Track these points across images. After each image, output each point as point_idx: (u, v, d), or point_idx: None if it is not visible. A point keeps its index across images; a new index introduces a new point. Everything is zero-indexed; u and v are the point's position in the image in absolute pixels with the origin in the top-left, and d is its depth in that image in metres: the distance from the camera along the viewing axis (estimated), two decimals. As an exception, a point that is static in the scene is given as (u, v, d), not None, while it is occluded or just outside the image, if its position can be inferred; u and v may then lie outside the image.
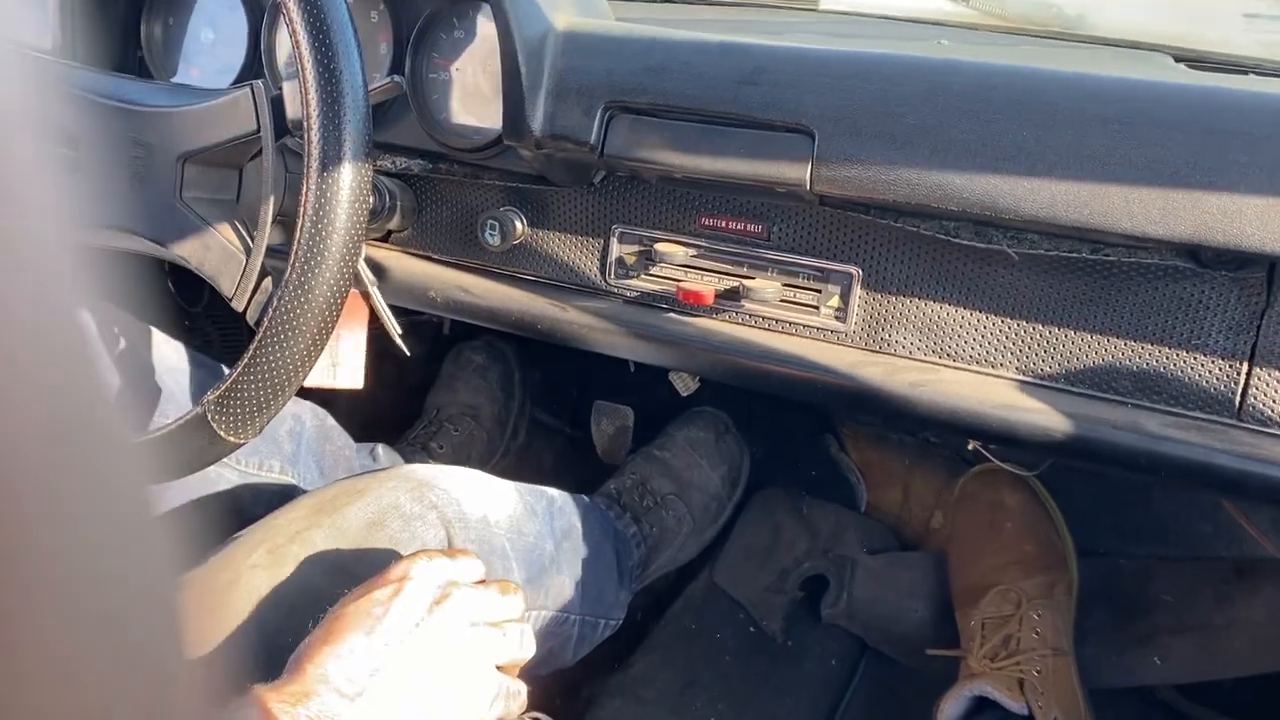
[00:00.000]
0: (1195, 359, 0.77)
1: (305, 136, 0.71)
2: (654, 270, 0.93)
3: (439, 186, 1.01)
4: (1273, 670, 1.16)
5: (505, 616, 0.71)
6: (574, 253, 0.97)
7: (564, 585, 1.03)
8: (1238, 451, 0.75)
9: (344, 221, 0.71)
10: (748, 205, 0.89)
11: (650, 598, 1.35)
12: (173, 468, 0.80)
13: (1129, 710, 1.23)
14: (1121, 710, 1.22)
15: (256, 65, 1.05)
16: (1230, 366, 0.76)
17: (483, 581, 0.72)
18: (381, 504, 0.85)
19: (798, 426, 1.52)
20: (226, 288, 0.79)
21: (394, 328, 0.96)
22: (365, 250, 1.02)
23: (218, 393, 0.74)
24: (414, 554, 0.70)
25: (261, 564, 0.79)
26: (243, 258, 0.79)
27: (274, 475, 1.09)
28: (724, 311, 0.91)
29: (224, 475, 1.05)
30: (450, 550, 0.73)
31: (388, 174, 1.00)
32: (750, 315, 0.91)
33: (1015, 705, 1.04)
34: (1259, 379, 0.75)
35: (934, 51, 0.91)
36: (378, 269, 1.03)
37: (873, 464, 1.46)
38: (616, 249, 0.94)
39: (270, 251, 0.80)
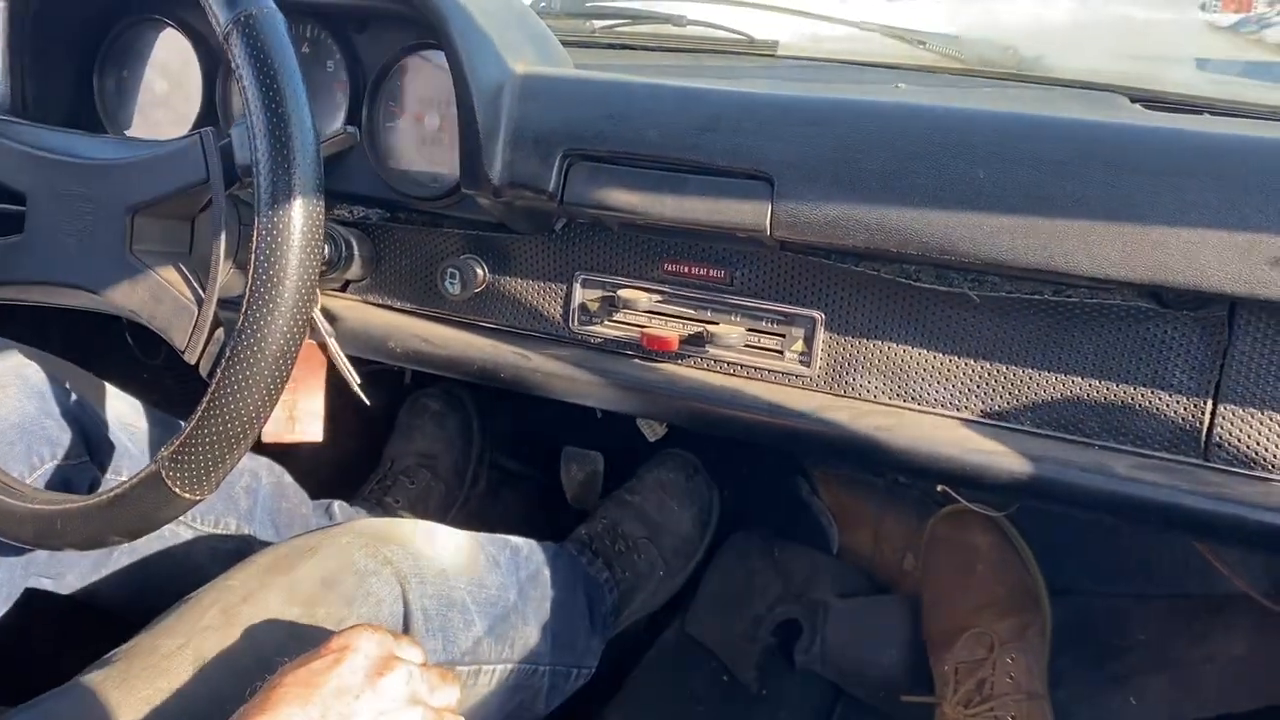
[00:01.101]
0: (1160, 399, 0.76)
1: (254, 181, 0.69)
2: (617, 316, 0.92)
3: (398, 235, 1.00)
4: (1248, 708, 1.15)
5: (442, 703, 0.68)
6: (536, 300, 0.96)
7: (530, 635, 1.01)
8: (1205, 492, 0.74)
9: (295, 266, 0.70)
10: (710, 251, 0.88)
11: (622, 648, 1.32)
12: (129, 527, 0.77)
13: (1107, 752, 1.22)
14: (1099, 753, 1.21)
15: (212, 116, 1.04)
16: (1195, 405, 0.75)
17: (423, 665, 0.70)
18: (335, 562, 0.83)
19: (768, 469, 1.51)
20: (179, 340, 0.77)
21: (353, 378, 0.94)
22: (323, 301, 1.01)
23: (172, 448, 0.72)
24: (356, 626, 0.68)
25: (214, 625, 0.77)
26: (194, 310, 0.77)
27: (230, 533, 1.06)
28: (689, 357, 0.90)
29: (179, 533, 1.02)
30: (395, 633, 0.71)
31: (345, 223, 0.99)
32: (715, 360, 0.90)
33: (992, 752, 1.03)
34: (1223, 418, 0.75)
35: (891, 95, 0.91)
36: (336, 319, 1.01)
37: (844, 506, 1.45)
38: (579, 295, 0.93)
39: (226, 304, 0.78)
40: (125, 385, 1.02)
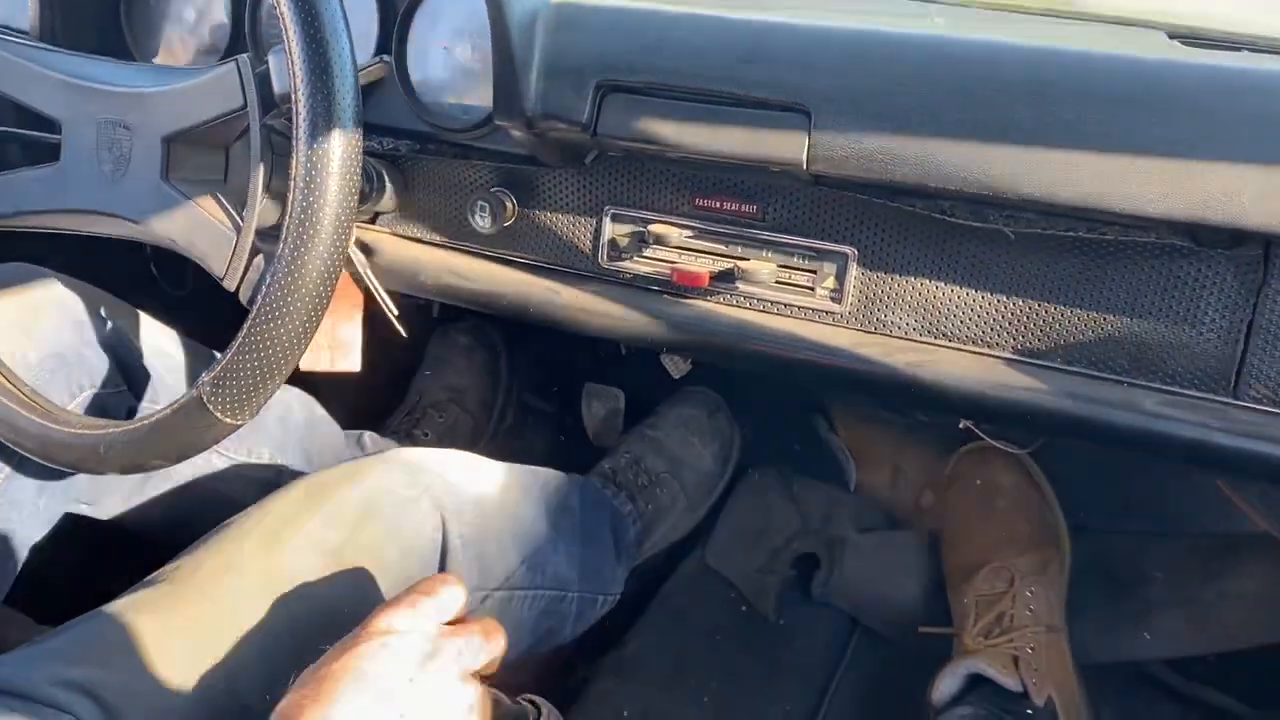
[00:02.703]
0: (1192, 337, 0.76)
1: (294, 110, 0.69)
2: (647, 252, 0.92)
3: (428, 168, 1.00)
4: (1262, 643, 1.17)
5: (492, 657, 0.66)
6: (566, 235, 0.96)
7: (559, 564, 1.03)
8: (1234, 429, 0.75)
9: (335, 195, 0.70)
10: (742, 185, 0.88)
11: (643, 579, 1.34)
12: (171, 451, 0.79)
13: (1120, 685, 1.24)
14: (1113, 685, 1.23)
15: (240, 44, 1.03)
16: (1226, 344, 0.76)
17: (462, 620, 0.68)
18: (375, 488, 0.84)
19: (787, 406, 1.52)
20: (217, 268, 0.78)
21: (391, 309, 0.95)
22: (355, 232, 1.01)
23: (213, 374, 0.73)
24: (393, 602, 0.65)
25: (256, 550, 0.78)
26: (233, 237, 0.77)
27: (263, 461, 1.08)
28: (719, 293, 0.91)
29: (212, 462, 1.04)
30: (430, 584, 0.67)
31: (375, 155, 0.99)
32: (745, 297, 0.90)
33: (1010, 682, 1.05)
34: (1255, 356, 0.75)
35: (929, 28, 0.90)
36: (367, 252, 1.01)
37: (862, 443, 1.46)
38: (609, 230, 0.93)
39: (261, 233, 0.78)
40: (152, 316, 1.03)
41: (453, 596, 0.66)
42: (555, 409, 1.63)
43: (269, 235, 0.76)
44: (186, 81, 0.78)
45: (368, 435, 1.29)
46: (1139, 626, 1.22)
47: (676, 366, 1.16)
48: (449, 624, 0.66)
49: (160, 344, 1.00)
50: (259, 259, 0.76)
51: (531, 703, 0.75)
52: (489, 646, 0.65)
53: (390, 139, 0.98)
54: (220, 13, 1.03)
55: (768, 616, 1.34)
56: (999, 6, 1.03)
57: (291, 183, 0.70)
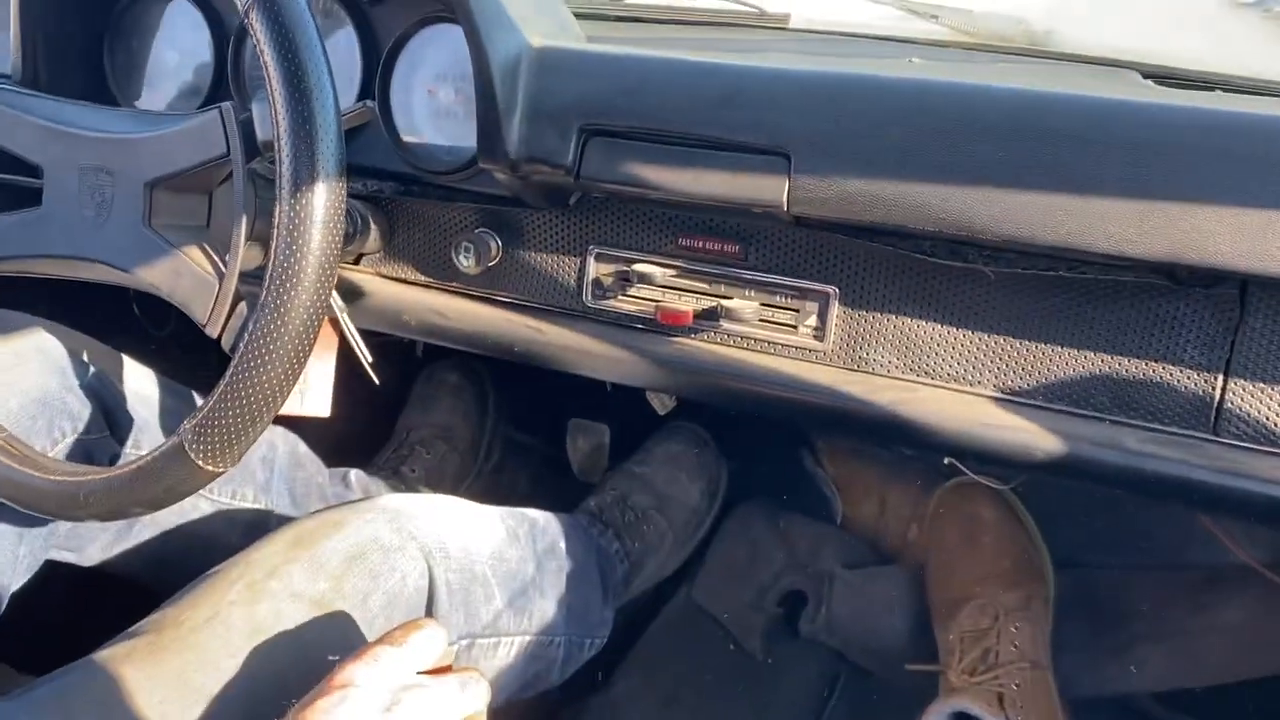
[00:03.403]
0: (1171, 374, 0.77)
1: (276, 157, 0.70)
2: (632, 291, 0.93)
3: (411, 209, 1.00)
4: (1248, 677, 1.17)
5: (469, 711, 0.65)
6: (550, 274, 0.96)
7: (547, 607, 1.02)
8: (1214, 466, 0.75)
9: (319, 242, 0.70)
10: (725, 225, 0.89)
11: (629, 617, 1.34)
12: (152, 499, 0.78)
13: (1106, 719, 1.24)
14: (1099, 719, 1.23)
15: (223, 88, 1.04)
16: (1205, 381, 0.76)
17: (447, 668, 0.67)
18: (361, 537, 0.83)
19: (773, 441, 1.52)
20: (200, 314, 0.78)
21: (364, 354, 0.95)
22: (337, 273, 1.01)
23: (195, 421, 0.73)
24: (358, 653, 0.64)
25: (239, 600, 0.77)
26: (215, 283, 0.77)
27: (247, 504, 1.07)
28: (703, 331, 0.91)
29: (197, 505, 1.03)
30: (400, 632, 0.66)
31: (359, 197, 0.99)
32: (729, 335, 0.90)
33: (995, 720, 1.04)
34: (1234, 394, 0.76)
35: (906, 70, 0.91)
36: (350, 292, 1.01)
37: (848, 478, 1.47)
38: (593, 270, 0.94)
39: (245, 278, 0.78)
40: (133, 358, 1.03)
41: (426, 642, 0.65)
42: (541, 444, 1.63)
43: (252, 279, 0.76)
44: (170, 128, 0.79)
45: (354, 473, 1.28)
46: (1125, 660, 1.22)
47: (662, 403, 1.16)
48: (429, 672, 0.65)
49: (143, 388, 1.00)
50: (241, 305, 0.76)
51: (514, 748, 0.74)
52: (465, 698, 0.64)
53: (374, 181, 0.99)
54: (203, 56, 1.04)
55: (755, 654, 1.33)
56: (975, 47, 1.05)
57: (275, 230, 0.70)
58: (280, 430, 1.17)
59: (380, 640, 0.65)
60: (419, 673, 0.65)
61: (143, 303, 1.35)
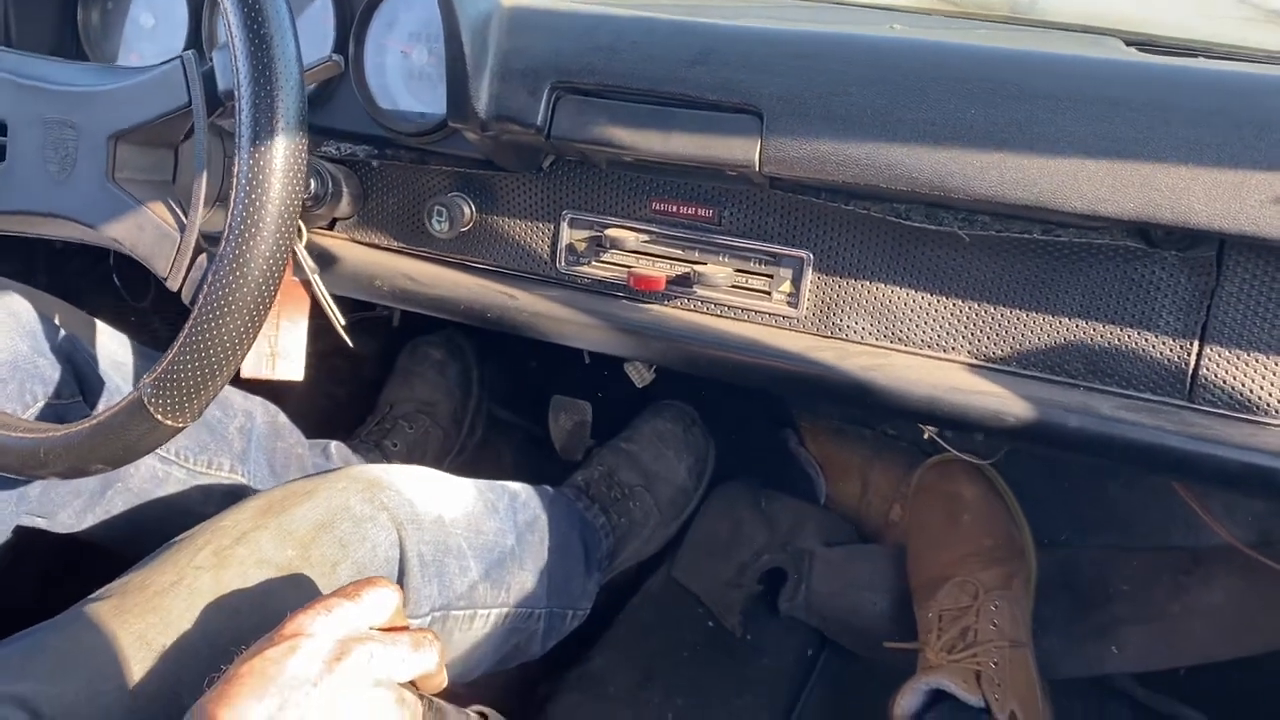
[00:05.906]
0: (1146, 340, 0.76)
1: (236, 105, 0.69)
2: (605, 256, 0.92)
3: (385, 173, 0.99)
4: (1229, 657, 1.16)
5: (417, 671, 0.64)
6: (524, 239, 0.95)
7: (526, 580, 1.01)
8: (1189, 433, 0.74)
9: (278, 193, 0.69)
10: (699, 190, 0.88)
11: (609, 593, 1.33)
12: (112, 455, 0.77)
13: (1087, 700, 1.23)
14: (1080, 700, 1.22)
15: (198, 49, 1.02)
16: (1181, 347, 0.75)
17: (403, 627, 0.66)
18: (331, 505, 0.82)
19: (756, 420, 1.51)
20: (161, 268, 0.76)
21: (337, 317, 0.94)
22: (309, 238, 1.00)
23: (154, 375, 0.72)
24: (310, 605, 0.63)
25: (206, 565, 0.76)
26: (177, 237, 0.76)
27: (223, 474, 1.06)
28: (676, 298, 0.90)
29: (172, 474, 1.02)
30: (355, 587, 0.65)
31: (332, 160, 0.98)
32: (702, 301, 0.89)
33: (972, 698, 1.03)
34: (1209, 359, 0.75)
35: (885, 34, 0.90)
36: (323, 258, 1.00)
37: (831, 457, 1.45)
38: (567, 235, 0.93)
39: (211, 239, 0.77)
40: (113, 327, 1.02)
41: (379, 600, 0.64)
42: (524, 421, 1.62)
43: (217, 237, 0.75)
44: (131, 79, 0.77)
45: (334, 445, 1.27)
46: (1106, 641, 1.21)
47: (640, 375, 1.15)
48: (381, 629, 0.64)
49: (116, 353, 0.98)
50: (202, 258, 0.74)
51: (482, 714, 0.73)
52: (417, 656, 0.63)
53: (347, 144, 0.98)
54: (178, 18, 1.03)
55: (734, 632, 1.32)
56: (959, 15, 1.04)
57: (234, 180, 0.69)
58: (260, 401, 1.15)
59: (335, 593, 0.64)
60: (372, 628, 0.64)
61: (122, 273, 1.34)
